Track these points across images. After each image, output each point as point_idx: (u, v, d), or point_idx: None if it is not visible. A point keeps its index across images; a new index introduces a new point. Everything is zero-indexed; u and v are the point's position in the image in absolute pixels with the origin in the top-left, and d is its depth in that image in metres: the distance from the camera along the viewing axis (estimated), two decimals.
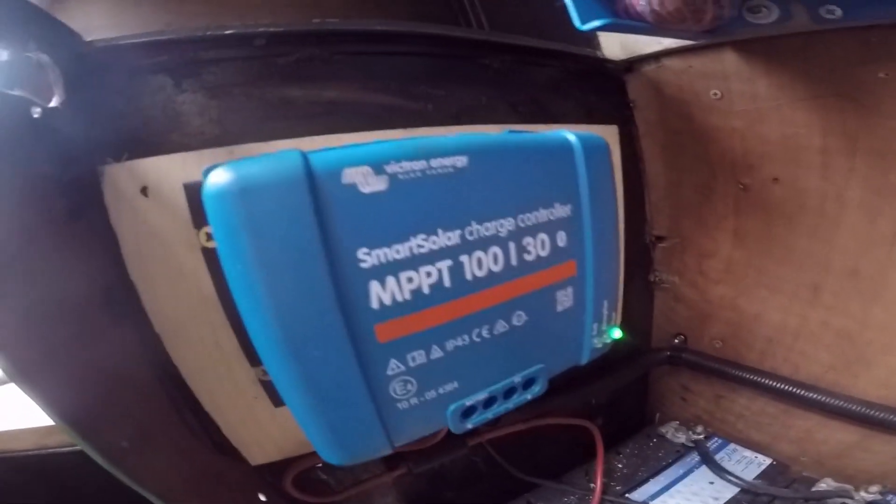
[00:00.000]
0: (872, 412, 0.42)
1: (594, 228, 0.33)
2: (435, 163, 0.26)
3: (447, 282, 0.27)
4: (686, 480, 0.51)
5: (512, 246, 0.29)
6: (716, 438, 0.56)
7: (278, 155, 0.24)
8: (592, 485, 0.51)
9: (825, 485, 0.46)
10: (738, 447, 0.54)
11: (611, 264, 0.35)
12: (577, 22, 0.34)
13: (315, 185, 0.23)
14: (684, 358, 0.58)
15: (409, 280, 0.26)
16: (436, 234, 0.26)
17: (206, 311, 0.34)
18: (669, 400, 0.63)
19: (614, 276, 0.36)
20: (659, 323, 0.61)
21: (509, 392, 0.32)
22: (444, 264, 0.27)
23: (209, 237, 0.32)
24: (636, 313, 0.60)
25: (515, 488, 0.52)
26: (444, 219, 0.27)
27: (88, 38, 0.32)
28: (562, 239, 0.31)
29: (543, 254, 0.31)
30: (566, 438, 0.55)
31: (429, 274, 0.26)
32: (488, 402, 0.31)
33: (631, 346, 0.55)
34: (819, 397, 0.46)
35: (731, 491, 0.48)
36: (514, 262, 0.29)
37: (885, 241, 0.41)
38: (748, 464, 0.51)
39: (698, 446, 0.55)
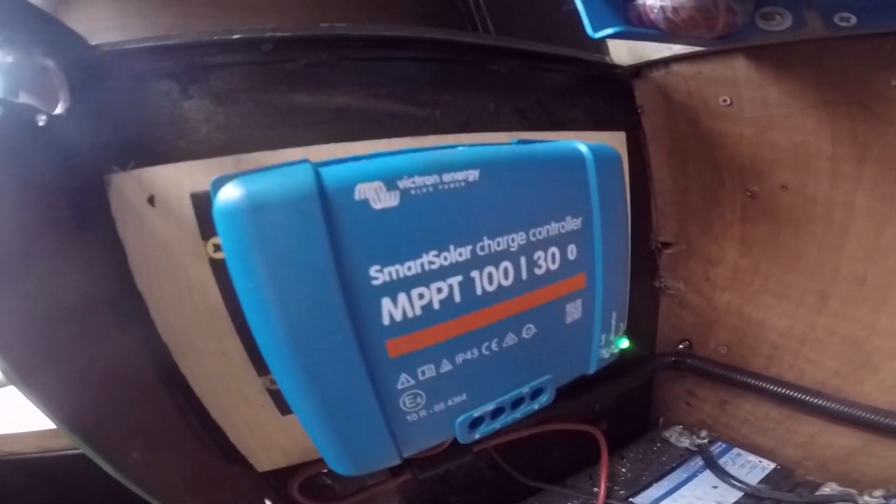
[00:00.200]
0: (877, 417, 0.43)
1: (604, 241, 0.32)
2: (447, 177, 0.26)
3: (458, 297, 0.27)
4: (690, 485, 0.51)
5: (523, 260, 0.29)
6: (719, 443, 0.56)
7: (290, 169, 0.23)
8: (596, 489, 0.51)
9: (829, 489, 0.46)
10: (742, 451, 0.54)
11: (620, 276, 0.35)
12: (589, 30, 0.33)
13: (327, 201, 0.23)
14: (689, 363, 0.58)
15: (421, 296, 0.26)
16: (447, 249, 0.26)
17: (214, 322, 0.33)
18: (674, 405, 0.63)
19: (623, 287, 0.35)
20: (664, 329, 0.61)
21: (517, 402, 0.32)
22: (455, 280, 0.26)
23: (217, 248, 0.32)
24: (641, 319, 0.60)
25: (519, 493, 0.52)
26: (456, 234, 0.26)
27: (93, 42, 0.31)
28: (572, 252, 0.31)
29: (554, 267, 0.30)
30: (570, 443, 0.55)
31: (440, 290, 0.26)
32: (496, 413, 0.31)
33: (636, 352, 0.54)
34: (824, 402, 0.46)
35: (734, 495, 0.48)
36: (524, 276, 0.29)
37: (893, 249, 0.41)
38: (752, 468, 0.51)
39: (702, 451, 0.55)
